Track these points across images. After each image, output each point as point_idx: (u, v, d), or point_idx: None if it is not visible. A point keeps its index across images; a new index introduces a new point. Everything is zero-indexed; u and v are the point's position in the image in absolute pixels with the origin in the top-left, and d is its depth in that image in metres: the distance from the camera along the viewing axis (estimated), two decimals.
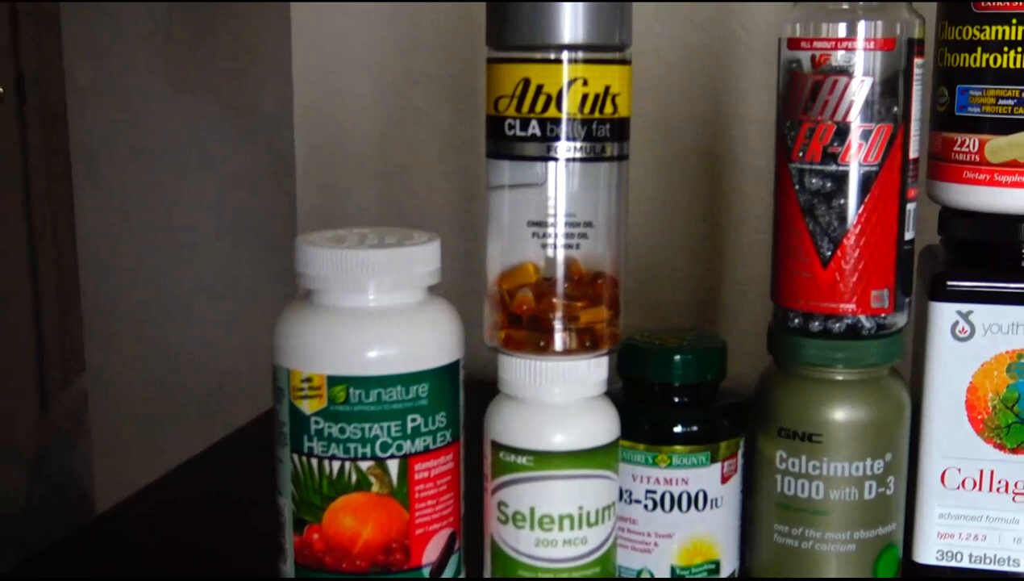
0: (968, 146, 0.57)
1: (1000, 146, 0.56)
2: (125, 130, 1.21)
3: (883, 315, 0.55)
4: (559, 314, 0.52)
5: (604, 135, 0.52)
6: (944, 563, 0.58)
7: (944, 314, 0.56)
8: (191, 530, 0.69)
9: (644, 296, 0.91)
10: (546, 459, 0.53)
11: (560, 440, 0.53)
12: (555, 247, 0.52)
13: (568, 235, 0.52)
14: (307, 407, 0.54)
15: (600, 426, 0.54)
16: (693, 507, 0.56)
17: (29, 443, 1.47)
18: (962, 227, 0.58)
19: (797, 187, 0.55)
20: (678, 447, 0.55)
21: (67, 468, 1.34)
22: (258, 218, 1.12)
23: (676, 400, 0.57)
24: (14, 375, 1.93)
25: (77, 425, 1.31)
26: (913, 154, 0.55)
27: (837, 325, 0.55)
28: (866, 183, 0.54)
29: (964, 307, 0.56)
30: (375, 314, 0.54)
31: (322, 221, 1.01)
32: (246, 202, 1.18)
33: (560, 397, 0.53)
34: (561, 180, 0.52)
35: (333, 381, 0.53)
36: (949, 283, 0.56)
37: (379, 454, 0.54)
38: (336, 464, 0.54)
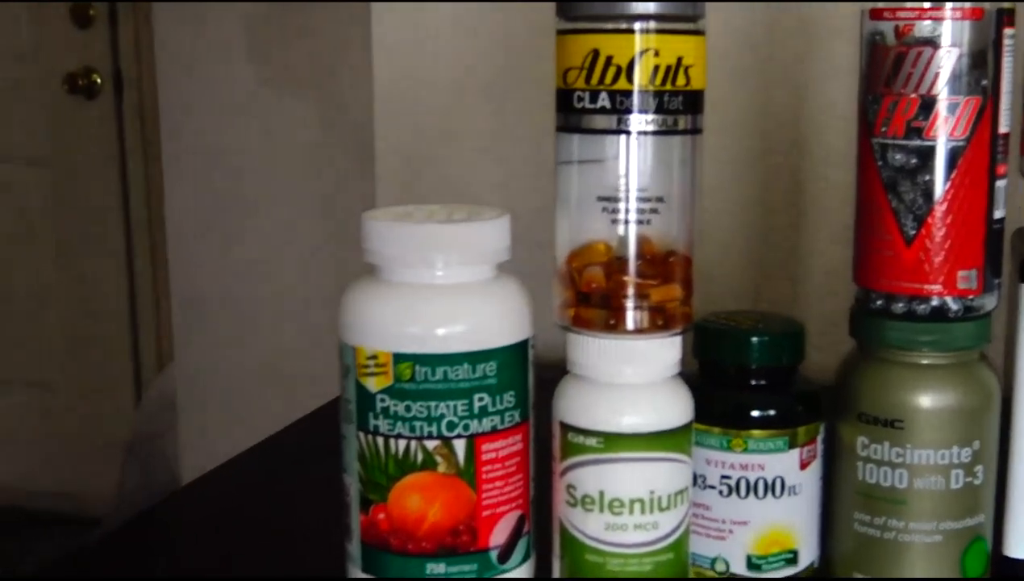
0: None
1: None
2: (212, 125, 1.22)
3: (971, 297, 0.53)
4: (629, 292, 0.51)
5: (676, 108, 0.50)
6: None
7: None
8: (263, 508, 0.69)
9: (726, 279, 0.89)
10: (616, 441, 0.51)
11: (630, 422, 0.51)
12: (626, 223, 0.51)
13: (639, 211, 0.51)
14: (373, 385, 0.53)
15: (672, 408, 0.52)
16: (770, 494, 0.54)
17: (125, 429, 1.49)
18: None
19: (880, 163, 0.53)
20: (755, 431, 0.54)
21: (159, 452, 1.36)
22: (341, 208, 1.12)
23: (752, 384, 0.55)
24: (111, 364, 1.96)
25: (168, 410, 1.33)
26: (1003, 129, 0.52)
27: (922, 307, 0.53)
28: (952, 159, 0.51)
29: None
30: (442, 291, 0.53)
31: None
32: (330, 194, 1.19)
33: (630, 377, 0.52)
34: (632, 154, 0.50)
35: (399, 358, 0.52)
36: None
37: (445, 433, 0.53)
38: (402, 443, 0.53)
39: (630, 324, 0.51)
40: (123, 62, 2.05)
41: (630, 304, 0.51)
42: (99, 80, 2.06)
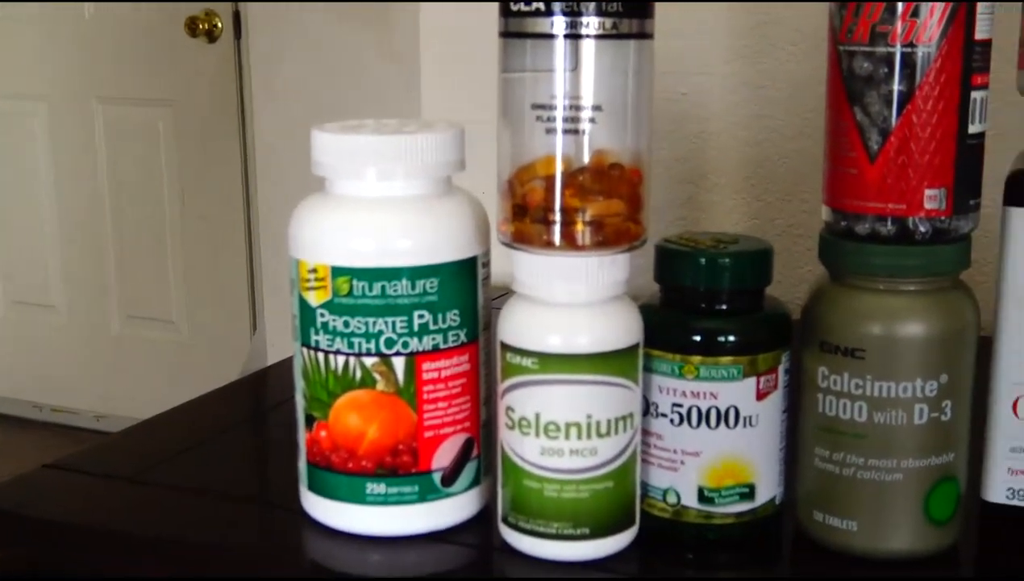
0: None
1: None
2: (293, 62, 1.22)
3: (941, 218, 0.49)
4: (561, 205, 0.49)
5: (617, 10, 0.48)
6: (1016, 502, 0.52)
7: (1019, 220, 0.49)
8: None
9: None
10: (551, 362, 0.49)
11: (565, 342, 0.49)
12: (557, 132, 0.48)
13: (573, 120, 0.48)
14: (313, 299, 0.52)
15: (612, 330, 0.50)
16: (723, 424, 0.51)
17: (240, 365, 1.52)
18: None
19: (845, 72, 0.49)
20: (707, 358, 0.51)
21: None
22: None
23: (712, 308, 0.52)
24: (230, 301, 2.00)
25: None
26: (981, 35, 0.48)
27: (886, 228, 0.49)
28: (919, 67, 0.47)
29: None
30: (382, 204, 0.52)
31: None
32: None
33: (567, 296, 0.50)
34: (567, 60, 0.48)
35: (337, 272, 0.51)
36: (1022, 184, 0.49)
37: (384, 350, 0.52)
38: (341, 359, 0.52)
39: (563, 240, 0.49)
40: (242, 5, 2.08)
41: (562, 218, 0.49)
42: (219, 24, 2.10)
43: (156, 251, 2.24)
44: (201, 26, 2.10)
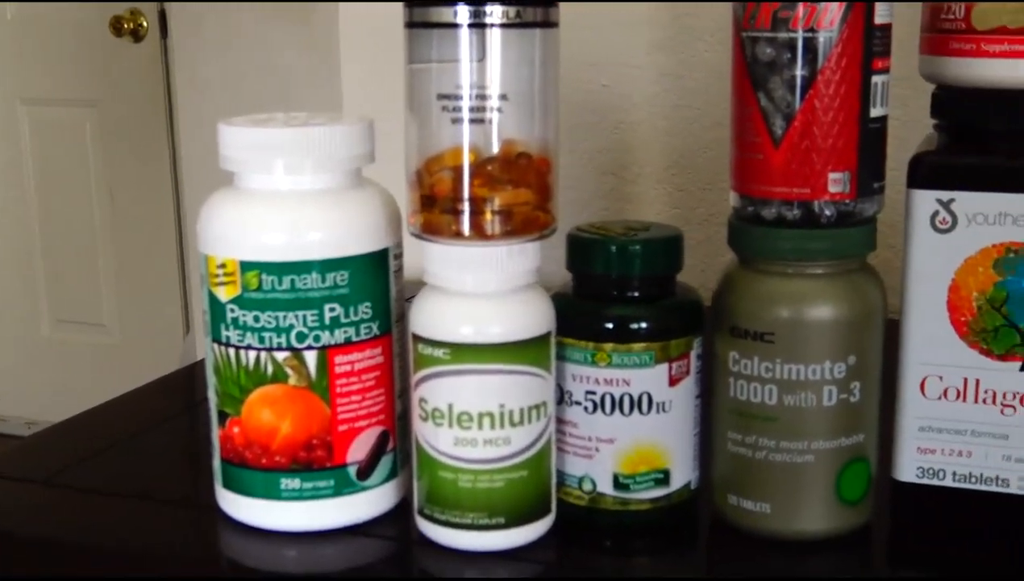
0: (954, 13, 0.50)
1: (987, 10, 0.49)
2: (217, 60, 1.21)
3: (845, 201, 0.49)
4: (469, 195, 0.49)
5: None
6: (926, 481, 0.52)
7: (922, 202, 0.50)
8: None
9: None
10: (462, 352, 0.49)
11: (476, 332, 0.49)
12: (464, 121, 0.48)
13: (478, 109, 0.48)
14: (223, 294, 0.52)
15: (523, 319, 0.50)
16: (636, 410, 0.52)
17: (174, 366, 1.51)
18: (947, 105, 0.52)
19: (748, 59, 0.49)
20: (619, 345, 0.51)
21: None
22: None
23: (623, 295, 0.52)
24: (161, 303, 1.97)
25: None
26: (881, 20, 0.49)
27: (792, 212, 0.50)
28: (820, 51, 0.48)
29: (945, 195, 0.50)
30: (291, 197, 0.52)
31: None
32: None
33: (476, 286, 0.49)
34: (472, 49, 0.48)
35: (246, 267, 0.51)
36: (925, 166, 0.50)
37: (295, 345, 0.51)
38: (252, 354, 0.52)
39: (472, 230, 0.49)
40: (167, 4, 2.05)
41: (469, 208, 0.49)
42: (144, 23, 2.08)
43: (85, 253, 2.21)
44: (126, 26, 2.08)
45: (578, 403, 0.52)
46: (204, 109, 1.20)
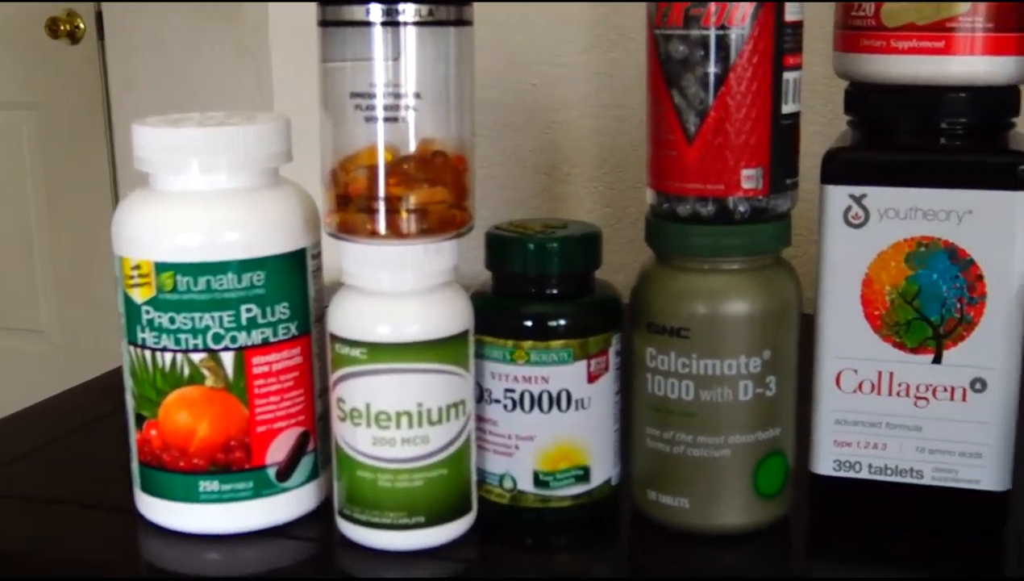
0: (865, 10, 0.51)
1: (896, 8, 0.50)
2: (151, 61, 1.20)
3: (758, 197, 0.50)
4: (384, 194, 0.48)
5: None
6: (842, 474, 0.53)
7: (835, 198, 0.51)
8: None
9: None
10: (379, 351, 0.49)
11: (392, 331, 0.49)
12: (378, 120, 0.48)
13: (391, 108, 0.48)
14: (138, 296, 0.51)
15: (440, 317, 0.50)
16: (555, 407, 0.52)
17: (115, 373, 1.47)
18: (859, 102, 0.52)
19: (662, 57, 0.50)
20: (537, 342, 0.51)
21: None
22: None
23: (542, 293, 0.52)
24: (101, 308, 1.94)
25: None
26: (792, 17, 0.49)
27: (706, 208, 0.50)
28: (732, 49, 0.48)
29: (857, 190, 0.50)
30: (207, 197, 0.51)
31: None
32: None
33: (392, 285, 0.49)
34: (385, 47, 0.48)
35: (160, 268, 0.50)
36: (837, 162, 0.50)
37: (211, 346, 0.51)
38: (168, 356, 0.51)
39: (387, 229, 0.49)
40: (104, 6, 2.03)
41: (384, 206, 0.49)
42: (81, 25, 2.05)
43: (23, 259, 2.18)
44: (63, 27, 2.05)
45: (497, 401, 0.52)
46: (138, 110, 1.19)
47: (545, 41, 0.90)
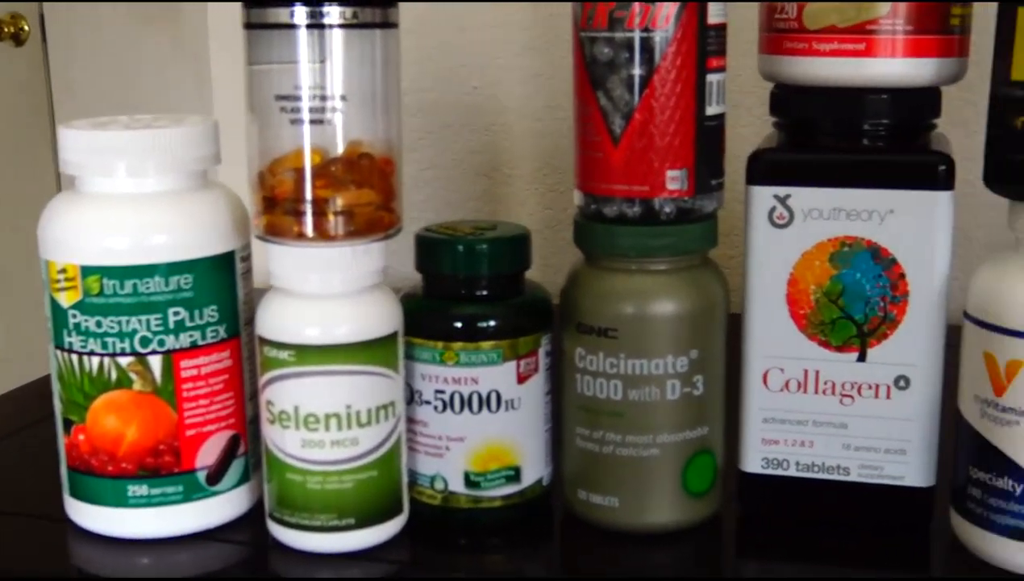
0: (787, 12, 0.51)
1: (817, 10, 0.50)
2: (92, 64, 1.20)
3: (684, 198, 0.50)
4: (311, 196, 0.49)
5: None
6: (770, 471, 0.53)
7: (760, 198, 0.51)
8: None
9: None
10: (307, 353, 0.49)
11: (320, 333, 0.49)
12: (304, 123, 0.48)
13: (317, 110, 0.48)
14: (64, 300, 0.51)
15: (368, 319, 0.50)
16: (485, 408, 0.52)
17: None
18: (783, 103, 0.53)
19: (587, 59, 0.50)
20: (466, 343, 0.51)
21: None
22: None
23: (471, 294, 0.52)
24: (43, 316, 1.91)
25: None
26: (714, 20, 0.49)
27: (632, 209, 0.50)
28: (656, 51, 0.49)
29: (781, 190, 0.51)
30: (134, 200, 0.51)
31: None
32: None
33: (319, 287, 0.49)
34: (309, 50, 0.48)
35: (87, 272, 0.50)
36: (762, 163, 0.51)
37: (139, 349, 0.51)
38: (95, 360, 0.51)
39: (315, 231, 0.49)
40: (46, 7, 2.01)
41: (311, 208, 0.49)
42: (26, 27, 2.03)
43: None
44: (6, 29, 2.03)
45: (428, 402, 0.52)
46: (79, 113, 1.18)
47: (484, 43, 0.91)
